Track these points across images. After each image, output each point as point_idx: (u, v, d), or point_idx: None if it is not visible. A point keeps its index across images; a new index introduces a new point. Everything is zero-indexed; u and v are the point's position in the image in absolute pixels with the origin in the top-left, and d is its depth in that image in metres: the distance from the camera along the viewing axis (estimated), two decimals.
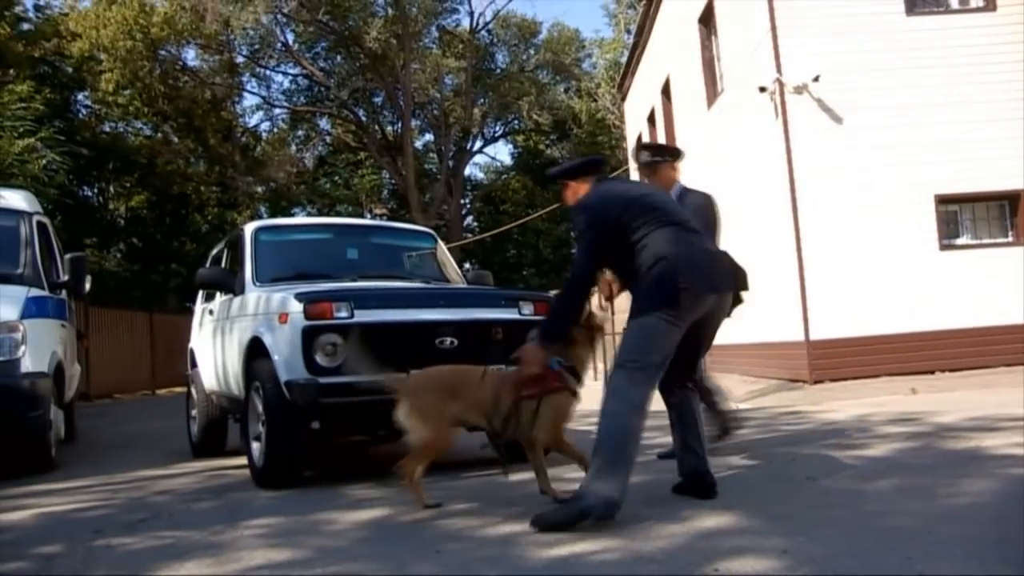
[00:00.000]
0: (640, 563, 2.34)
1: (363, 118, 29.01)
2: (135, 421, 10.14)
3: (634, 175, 13.67)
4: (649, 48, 15.91)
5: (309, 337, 3.92)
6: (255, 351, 4.27)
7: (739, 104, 10.40)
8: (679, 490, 3.23)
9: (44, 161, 13.37)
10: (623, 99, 20.27)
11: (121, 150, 23.18)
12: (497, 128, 32.00)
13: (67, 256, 6.36)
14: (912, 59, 8.93)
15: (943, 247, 8.99)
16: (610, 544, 2.54)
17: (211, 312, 5.56)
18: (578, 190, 3.25)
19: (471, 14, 28.84)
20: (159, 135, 25.51)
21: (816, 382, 8.59)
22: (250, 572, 2.53)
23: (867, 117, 8.93)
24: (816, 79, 8.84)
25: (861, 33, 9.03)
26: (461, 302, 4.43)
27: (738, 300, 3.45)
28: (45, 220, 6.62)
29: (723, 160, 11.30)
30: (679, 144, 14.21)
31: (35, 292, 5.50)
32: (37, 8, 21.56)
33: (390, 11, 25.40)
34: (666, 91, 14.62)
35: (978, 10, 9.31)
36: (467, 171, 31.75)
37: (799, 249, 8.82)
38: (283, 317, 4.03)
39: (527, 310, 4.39)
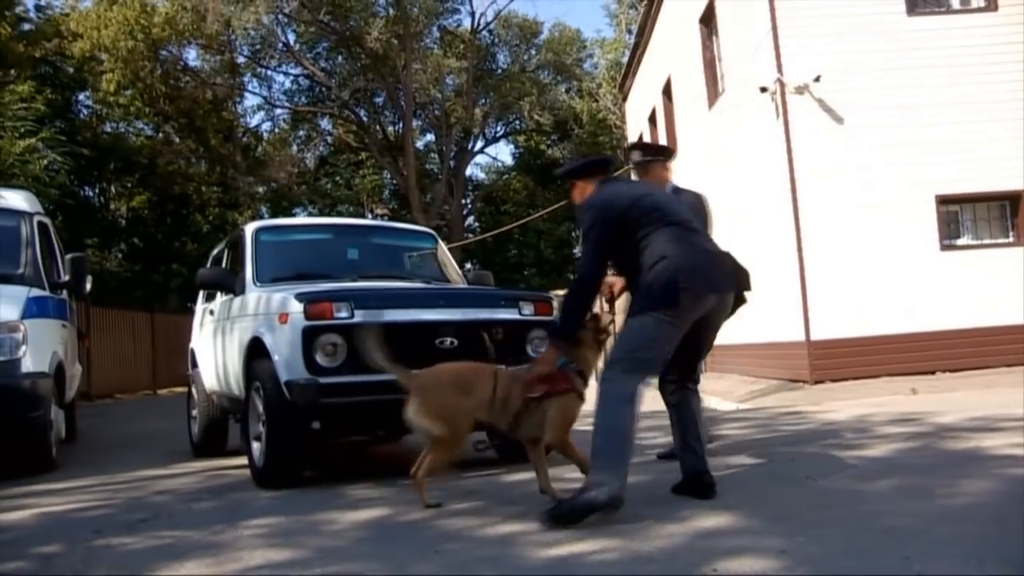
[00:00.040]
0: (639, 563, 2.34)
1: (364, 118, 29.02)
2: (136, 421, 10.16)
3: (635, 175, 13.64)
4: (650, 48, 15.91)
5: (309, 337, 3.92)
6: (255, 351, 4.28)
7: (740, 104, 10.40)
8: (678, 490, 3.23)
9: (45, 161, 13.40)
10: (624, 99, 20.27)
11: (122, 150, 23.21)
12: (498, 128, 32.02)
13: (68, 256, 6.37)
14: (913, 59, 8.93)
15: (944, 247, 8.99)
16: (609, 544, 2.54)
17: (212, 312, 5.56)
18: (585, 189, 3.28)
19: (472, 14, 29.00)
20: (160, 135, 25.53)
21: (817, 382, 8.58)
22: (249, 572, 2.53)
23: (868, 117, 8.93)
24: (817, 79, 8.84)
25: (862, 33, 9.03)
26: (461, 302, 4.43)
27: (741, 300, 3.45)
28: (46, 220, 6.63)
29: (724, 160, 11.30)
30: (680, 144, 14.27)
31: (36, 292, 5.51)
32: (38, 8, 21.61)
33: (391, 11, 25.40)
34: (667, 91, 14.62)
35: (979, 10, 9.31)
36: (468, 171, 31.78)
37: (800, 249, 8.82)
38: (283, 317, 4.03)
39: (527, 310, 4.39)
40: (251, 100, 39.75)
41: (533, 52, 29.57)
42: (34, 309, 5.31)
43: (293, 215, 27.54)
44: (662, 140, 15.40)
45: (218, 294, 5.39)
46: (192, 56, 26.26)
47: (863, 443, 4.50)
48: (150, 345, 17.81)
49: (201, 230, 25.71)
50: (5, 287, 5.33)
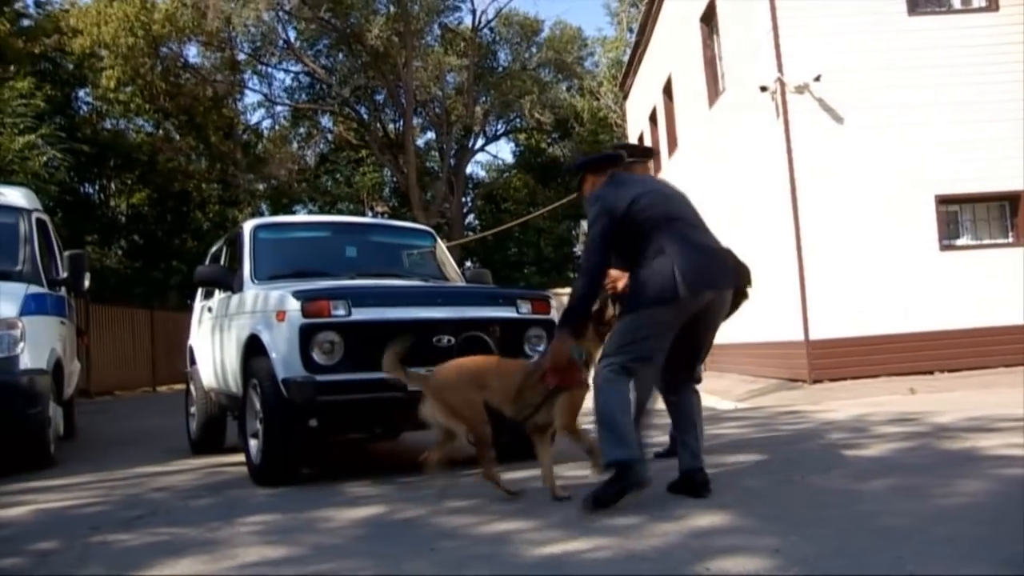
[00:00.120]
0: (633, 561, 2.35)
1: (365, 116, 29.01)
2: (135, 418, 10.17)
3: None
4: (651, 47, 15.90)
5: (307, 335, 3.92)
6: (253, 349, 4.28)
7: (740, 103, 10.39)
8: (674, 489, 3.23)
9: (45, 158, 13.40)
10: (625, 98, 20.27)
11: (122, 147, 23.19)
12: (499, 126, 31.98)
13: (66, 253, 6.37)
14: (914, 59, 8.93)
15: (943, 247, 8.99)
16: (603, 542, 2.55)
17: (210, 309, 5.56)
18: (595, 183, 3.34)
19: (473, 12, 29.02)
20: (160, 132, 25.51)
21: (815, 382, 8.59)
22: (245, 569, 2.53)
23: (868, 117, 8.92)
24: (817, 79, 8.84)
25: (863, 33, 9.02)
26: (459, 300, 4.43)
27: (743, 295, 3.43)
28: (44, 217, 6.63)
29: (724, 159, 11.30)
30: (681, 143, 14.28)
31: (34, 289, 5.51)
32: (38, 4, 21.50)
33: (392, 8, 25.35)
34: (668, 90, 14.61)
35: (980, 10, 9.30)
36: (469, 169, 31.73)
37: (799, 248, 8.82)
38: (281, 315, 4.03)
39: (525, 309, 4.39)
40: (251, 97, 39.87)
41: (534, 50, 29.53)
42: (32, 306, 5.31)
43: (293, 212, 27.50)
44: (663, 139, 15.42)
45: (216, 291, 5.40)
46: (192, 53, 26.28)
47: (860, 442, 4.51)
48: (149, 342, 17.82)
49: (201, 227, 25.70)
50: (3, 284, 5.33)
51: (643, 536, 2.61)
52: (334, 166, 31.25)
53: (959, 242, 9.20)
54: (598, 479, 3.13)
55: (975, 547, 2.30)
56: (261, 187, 28.28)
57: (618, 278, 3.44)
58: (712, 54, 11.87)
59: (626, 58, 20.67)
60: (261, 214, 25.90)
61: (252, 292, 4.60)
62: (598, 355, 3.40)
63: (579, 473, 3.82)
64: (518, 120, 30.81)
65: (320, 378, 3.89)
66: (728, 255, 3.28)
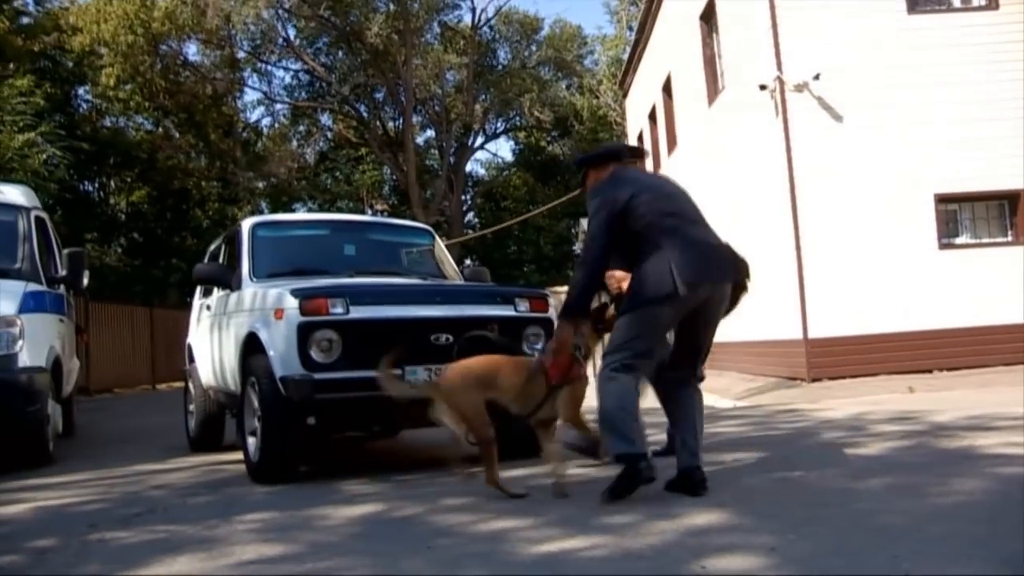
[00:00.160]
0: (629, 560, 2.35)
1: (364, 114, 29.00)
2: (134, 416, 10.17)
3: None
4: (651, 45, 15.89)
5: (305, 333, 3.93)
6: (251, 347, 4.28)
7: (740, 102, 10.38)
8: (672, 487, 3.23)
9: (44, 156, 13.40)
10: (624, 96, 20.25)
11: (122, 145, 23.18)
12: (498, 124, 32.00)
13: (65, 251, 6.37)
14: (913, 58, 8.91)
15: (942, 246, 8.99)
16: (600, 540, 2.55)
17: (208, 308, 5.57)
18: (598, 177, 3.38)
19: (473, 10, 28.85)
20: (160, 130, 25.50)
21: (814, 380, 8.59)
22: (242, 567, 2.53)
23: (867, 115, 8.91)
24: (816, 77, 8.83)
25: (862, 31, 9.01)
26: (457, 299, 4.43)
27: (741, 289, 3.43)
28: (43, 215, 6.62)
29: (723, 157, 11.29)
30: (680, 141, 14.26)
31: (33, 287, 5.51)
32: (37, 2, 21.48)
33: (392, 7, 25.34)
34: (667, 88, 14.60)
35: (980, 9, 9.28)
36: (468, 167, 31.74)
37: (798, 247, 8.82)
38: (279, 313, 4.04)
39: (523, 307, 4.39)
40: (251, 95, 39.81)
41: (534, 48, 29.54)
42: (31, 304, 5.31)
43: (293, 211, 27.49)
44: (662, 137, 15.42)
45: (215, 289, 5.40)
46: (192, 51, 26.28)
47: (858, 441, 4.51)
48: (149, 340, 17.83)
49: (201, 225, 25.70)
50: (2, 282, 5.33)
51: (640, 534, 2.61)
52: (334, 164, 31.25)
53: (958, 241, 9.19)
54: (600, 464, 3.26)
55: (972, 546, 2.30)
56: (261, 185, 28.29)
57: (623, 279, 3.47)
58: (712, 52, 11.87)
59: (626, 56, 20.66)
60: (261, 212, 25.89)
61: (250, 290, 4.61)
62: (596, 349, 3.54)
63: (578, 472, 3.83)
64: (518, 118, 30.81)
65: (318, 376, 3.90)
66: (726, 249, 3.29)
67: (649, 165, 16.18)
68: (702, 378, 3.52)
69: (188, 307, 7.11)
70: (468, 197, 32.63)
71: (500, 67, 29.74)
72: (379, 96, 28.92)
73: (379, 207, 30.58)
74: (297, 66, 28.11)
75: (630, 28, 24.19)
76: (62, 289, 6.40)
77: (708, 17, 11.77)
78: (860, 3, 9.03)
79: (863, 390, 7.62)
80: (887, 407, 6.11)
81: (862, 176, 8.89)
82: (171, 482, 4.40)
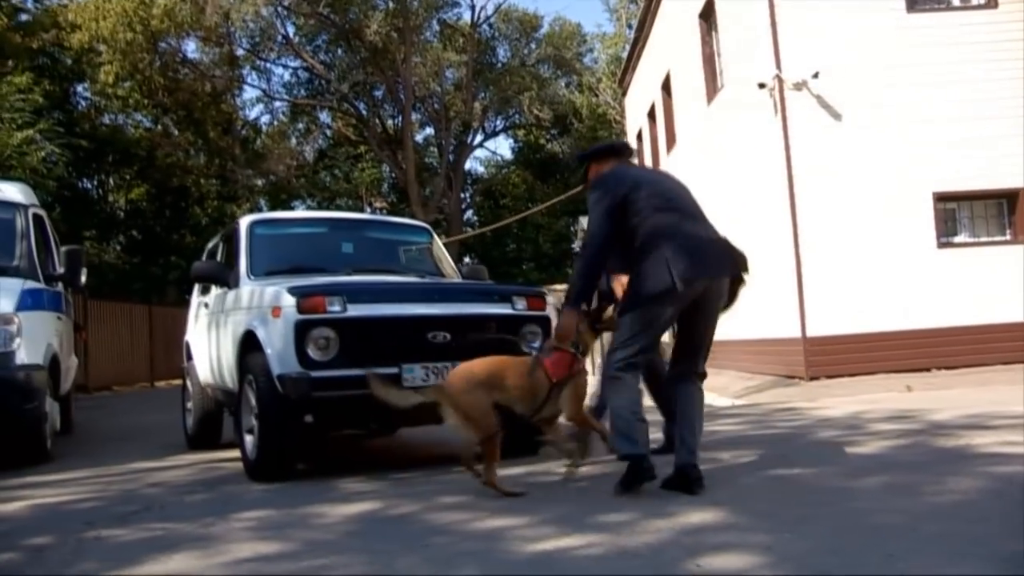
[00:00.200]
0: (624, 558, 2.35)
1: (363, 112, 28.95)
2: (132, 413, 10.17)
3: None
4: (650, 43, 15.88)
5: (302, 331, 3.92)
6: (249, 345, 4.28)
7: (739, 100, 10.38)
8: (668, 485, 3.23)
9: (43, 153, 13.38)
10: (624, 94, 20.25)
11: (120, 142, 23.15)
12: (498, 122, 31.94)
13: (63, 249, 6.36)
14: (912, 56, 8.91)
15: (941, 245, 8.99)
16: (595, 539, 2.55)
17: (206, 305, 5.57)
18: (599, 171, 3.44)
19: (472, 8, 28.81)
20: (159, 127, 25.46)
21: (812, 378, 8.60)
22: (238, 564, 2.54)
23: (866, 114, 8.91)
24: (815, 75, 8.82)
25: (861, 29, 9.00)
26: (454, 297, 4.43)
27: (739, 282, 3.41)
28: (41, 212, 6.61)
29: (722, 156, 11.29)
30: (679, 139, 14.26)
31: (31, 284, 5.51)
32: None
33: (391, 4, 25.30)
34: (666, 86, 14.60)
35: (979, 7, 9.28)
36: (467, 165, 31.72)
37: (797, 245, 8.82)
38: (276, 311, 4.04)
39: (520, 305, 4.40)
40: (250, 93, 39.49)
41: (533, 46, 29.48)
42: (29, 301, 5.31)
43: (292, 208, 27.47)
44: (661, 135, 15.41)
45: (213, 287, 5.39)
46: (191, 48, 26.19)
47: (855, 440, 4.51)
48: (148, 337, 17.83)
49: (200, 223, 25.67)
50: (0, 279, 5.32)
51: (635, 533, 2.61)
52: (333, 162, 31.21)
53: (957, 239, 9.19)
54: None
55: (968, 545, 2.30)
56: (260, 183, 28.26)
57: (625, 282, 3.50)
58: (711, 51, 11.86)
59: (625, 54, 20.65)
60: (260, 210, 25.86)
61: (248, 288, 4.60)
62: (593, 344, 3.62)
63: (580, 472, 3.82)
64: (517, 116, 30.78)
65: (315, 374, 3.90)
66: (723, 243, 3.30)
67: (648, 163, 16.18)
68: (704, 376, 3.50)
69: (187, 305, 7.10)
70: (467, 195, 32.61)
71: (499, 65, 29.70)
72: (378, 94, 28.89)
73: (378, 205, 30.54)
74: (296, 64, 28.10)
75: (629, 26, 24.19)
76: (60, 287, 6.39)
77: (707, 15, 11.76)
78: (859, 2, 9.02)
79: (861, 389, 7.63)
80: (885, 406, 6.11)
81: (861, 174, 8.89)
82: (168, 480, 4.41)
